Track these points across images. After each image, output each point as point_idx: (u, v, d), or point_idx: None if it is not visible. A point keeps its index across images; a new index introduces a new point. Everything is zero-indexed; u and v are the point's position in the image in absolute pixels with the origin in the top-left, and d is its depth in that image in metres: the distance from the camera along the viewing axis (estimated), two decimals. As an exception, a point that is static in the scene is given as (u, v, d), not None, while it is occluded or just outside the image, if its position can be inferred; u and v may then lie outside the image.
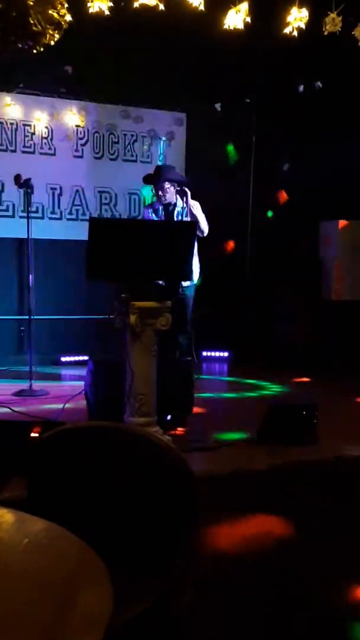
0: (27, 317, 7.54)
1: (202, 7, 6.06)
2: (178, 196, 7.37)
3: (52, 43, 5.82)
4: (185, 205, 7.33)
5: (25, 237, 7.37)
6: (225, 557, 3.84)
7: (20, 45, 5.82)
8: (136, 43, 8.18)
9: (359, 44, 6.67)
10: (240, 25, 6.28)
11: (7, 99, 8.76)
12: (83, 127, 9.20)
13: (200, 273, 7.67)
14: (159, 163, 9.00)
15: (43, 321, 8.43)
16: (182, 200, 7.34)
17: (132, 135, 9.47)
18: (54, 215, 9.17)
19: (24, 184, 7.26)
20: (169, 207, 7.38)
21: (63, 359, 8.97)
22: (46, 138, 9.04)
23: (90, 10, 6.08)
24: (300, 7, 6.38)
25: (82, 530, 1.89)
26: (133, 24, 6.78)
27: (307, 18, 6.43)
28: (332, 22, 6.31)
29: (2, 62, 7.03)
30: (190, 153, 9.60)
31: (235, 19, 6.26)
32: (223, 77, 9.11)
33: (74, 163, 9.24)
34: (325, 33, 6.37)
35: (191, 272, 6.71)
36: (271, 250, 9.85)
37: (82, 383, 6.56)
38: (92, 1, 6.05)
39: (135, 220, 8.87)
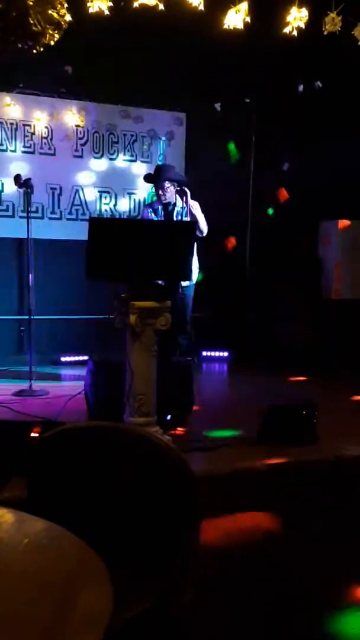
0: (27, 317, 7.53)
1: (201, 7, 6.05)
2: (178, 196, 7.37)
3: (52, 43, 5.82)
4: (184, 205, 7.33)
5: (25, 237, 7.36)
6: (218, 554, 3.84)
7: (20, 45, 5.81)
8: (136, 43, 8.18)
9: (358, 44, 6.66)
10: (240, 25, 6.28)
11: (7, 98, 8.75)
12: (83, 127, 9.20)
13: (200, 270, 7.67)
14: (159, 163, 8.99)
15: (43, 321, 8.43)
16: (182, 200, 7.34)
17: (132, 135, 9.46)
18: (53, 215, 9.17)
19: (24, 184, 7.26)
20: (169, 207, 7.39)
21: (63, 359, 8.96)
22: (46, 138, 9.04)
23: (90, 10, 6.07)
24: (300, 6, 6.38)
25: (82, 530, 1.89)
26: (133, 24, 6.77)
27: (307, 18, 6.42)
28: (332, 22, 6.31)
29: (2, 62, 7.03)
30: (190, 153, 9.60)
31: (235, 18, 6.25)
32: (223, 77, 9.11)
33: (74, 163, 9.24)
34: (325, 33, 6.37)
35: (191, 272, 6.72)
36: (271, 250, 9.85)
37: (82, 383, 6.56)
38: (91, 1, 6.04)
39: (135, 220, 8.87)
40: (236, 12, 6.25)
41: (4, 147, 8.83)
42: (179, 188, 7.36)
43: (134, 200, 9.53)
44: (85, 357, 7.47)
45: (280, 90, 9.47)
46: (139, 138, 9.50)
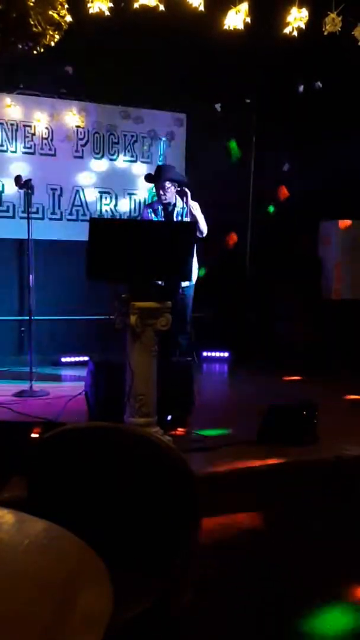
0: (27, 317, 7.54)
1: (202, 8, 6.05)
2: (178, 196, 7.37)
3: (52, 44, 5.82)
4: (185, 205, 7.33)
5: (26, 237, 7.36)
6: (217, 548, 3.85)
7: (20, 46, 5.82)
8: (136, 44, 8.18)
9: (358, 44, 6.66)
10: (240, 26, 6.28)
11: (7, 99, 8.76)
12: (83, 128, 9.20)
13: (201, 266, 7.69)
14: (159, 163, 9.00)
15: (43, 322, 8.43)
16: (182, 200, 7.34)
17: (132, 136, 9.47)
18: (54, 216, 9.18)
19: (24, 185, 7.26)
20: (169, 208, 7.39)
21: (63, 359, 8.96)
22: (46, 139, 9.05)
23: (91, 11, 6.07)
24: (300, 7, 6.38)
25: (83, 531, 1.89)
26: (133, 25, 6.78)
27: (307, 18, 6.42)
28: (332, 22, 6.31)
29: (3, 62, 7.04)
30: (191, 153, 9.60)
31: (235, 19, 6.25)
32: (223, 78, 9.11)
33: (74, 163, 9.25)
34: (325, 33, 6.36)
35: (191, 272, 6.72)
36: (271, 250, 9.86)
37: (82, 383, 6.56)
38: (92, 2, 6.04)
39: (135, 220, 8.87)
40: (236, 13, 6.25)
41: (5, 148, 8.83)
42: (179, 188, 7.37)
43: (135, 200, 9.54)
44: (86, 358, 7.47)
45: (280, 90, 9.48)
46: (139, 138, 9.50)
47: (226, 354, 9.66)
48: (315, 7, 6.45)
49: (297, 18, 6.40)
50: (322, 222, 10.08)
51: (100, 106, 9.27)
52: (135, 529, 2.34)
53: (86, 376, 6.32)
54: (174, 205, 7.38)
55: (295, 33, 6.44)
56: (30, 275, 7.35)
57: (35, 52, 5.86)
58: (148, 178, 7.69)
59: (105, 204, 9.43)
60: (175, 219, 7.33)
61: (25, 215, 7.56)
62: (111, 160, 9.43)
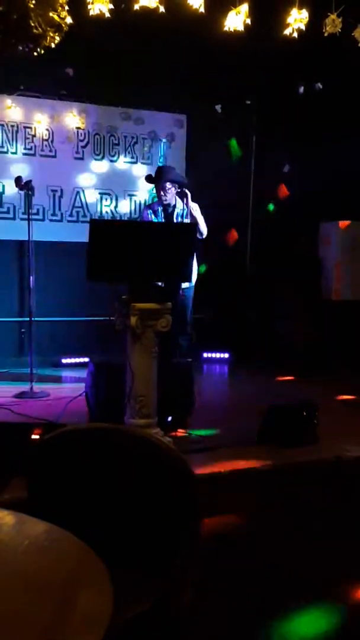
0: (27, 319, 7.54)
1: (202, 9, 6.06)
2: (178, 198, 7.37)
3: (53, 45, 5.82)
4: (185, 206, 7.34)
5: (26, 239, 7.37)
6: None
7: (20, 48, 5.82)
8: (136, 45, 8.19)
9: (359, 45, 6.67)
10: (241, 27, 6.28)
11: (8, 101, 8.77)
12: (83, 129, 9.21)
13: (200, 264, 7.70)
14: (160, 165, 9.00)
15: (44, 323, 8.44)
16: (182, 201, 7.34)
17: (133, 137, 9.48)
18: (54, 217, 9.19)
19: (25, 186, 7.26)
20: (169, 209, 7.39)
21: (64, 360, 8.96)
22: (47, 140, 9.06)
23: (91, 13, 6.07)
24: (300, 8, 6.38)
25: (83, 531, 1.89)
26: (133, 26, 6.79)
27: (307, 19, 6.43)
28: (332, 24, 6.31)
29: (3, 64, 7.04)
30: (191, 154, 9.61)
31: (236, 20, 6.26)
32: (223, 79, 9.12)
33: (75, 165, 9.26)
34: (326, 34, 6.37)
35: (191, 273, 6.73)
36: (271, 251, 9.86)
37: (82, 385, 6.56)
38: (92, 3, 6.05)
39: (135, 221, 8.87)
40: (236, 14, 6.25)
41: (5, 149, 8.84)
42: (179, 190, 7.37)
43: (135, 202, 9.55)
44: (86, 359, 7.48)
45: (280, 91, 9.49)
46: (139, 140, 9.51)
47: (226, 355, 9.66)
48: (316, 8, 6.46)
49: (297, 19, 6.41)
50: (322, 223, 10.09)
51: (101, 107, 9.28)
52: (135, 529, 2.35)
53: (86, 377, 6.32)
54: (174, 206, 7.38)
55: (295, 34, 6.45)
56: (31, 277, 7.35)
57: (35, 53, 5.86)
58: (148, 179, 7.70)
59: (105, 205, 9.44)
60: (175, 220, 7.33)
61: (25, 216, 7.56)
62: (111, 161, 9.44)
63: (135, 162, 9.54)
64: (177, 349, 7.39)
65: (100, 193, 9.40)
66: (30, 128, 8.95)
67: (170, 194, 7.34)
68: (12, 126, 8.86)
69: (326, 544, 4.08)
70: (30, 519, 2.05)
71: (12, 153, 8.88)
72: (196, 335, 8.09)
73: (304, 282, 9.83)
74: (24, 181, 7.27)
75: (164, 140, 9.57)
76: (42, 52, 5.89)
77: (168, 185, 7.33)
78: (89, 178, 9.32)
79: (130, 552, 2.28)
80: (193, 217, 7.30)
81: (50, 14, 5.64)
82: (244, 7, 6.23)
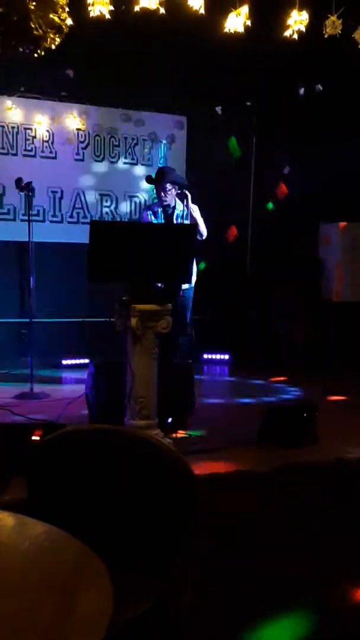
0: (28, 320, 7.54)
1: (202, 11, 6.05)
2: (178, 199, 7.38)
3: (53, 47, 5.83)
4: (185, 208, 7.34)
5: (27, 240, 7.37)
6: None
7: (21, 49, 5.82)
8: (137, 47, 8.20)
9: (359, 47, 6.67)
10: (241, 29, 6.28)
11: (8, 102, 8.78)
12: (84, 131, 9.22)
13: (199, 262, 7.72)
14: (160, 166, 9.01)
15: (44, 324, 8.44)
16: (182, 203, 7.34)
17: (133, 139, 9.49)
18: (55, 219, 9.20)
19: (25, 188, 7.27)
20: (168, 210, 7.39)
21: (64, 361, 8.97)
22: (47, 141, 9.06)
23: (91, 14, 6.07)
24: (300, 9, 6.38)
25: (83, 532, 1.90)
26: (134, 28, 6.78)
27: (307, 21, 6.42)
28: (333, 25, 6.31)
29: (3, 65, 7.05)
30: (191, 156, 9.62)
31: (236, 22, 6.25)
32: (223, 80, 9.13)
33: (75, 166, 9.27)
34: (326, 36, 6.37)
35: (191, 274, 6.74)
36: (271, 252, 9.87)
37: (83, 386, 6.57)
38: (92, 5, 6.04)
39: (136, 223, 8.88)
40: (237, 16, 6.25)
41: (5, 151, 8.85)
42: (179, 191, 7.37)
43: (135, 203, 9.55)
44: (86, 360, 7.48)
45: (280, 93, 9.50)
46: (140, 141, 9.52)
47: (226, 357, 9.67)
48: (316, 9, 6.46)
49: (297, 21, 6.40)
50: (322, 224, 10.09)
51: (101, 109, 9.29)
52: (135, 529, 2.35)
53: (86, 378, 6.33)
54: (174, 207, 7.38)
55: (295, 36, 6.44)
56: (31, 278, 7.36)
57: (36, 55, 5.86)
58: (149, 180, 7.70)
59: (105, 207, 9.45)
60: (175, 222, 7.34)
61: (26, 217, 7.57)
62: (112, 162, 9.45)
63: (136, 164, 9.55)
64: (177, 349, 7.39)
65: (100, 194, 9.41)
66: (31, 129, 8.96)
67: (171, 195, 7.34)
68: (13, 127, 8.87)
69: (326, 544, 4.08)
70: (30, 520, 2.05)
71: (13, 154, 8.88)
72: (196, 336, 8.09)
73: (304, 283, 9.84)
74: (25, 182, 7.28)
75: (164, 141, 9.58)
76: (43, 53, 5.89)
77: (168, 186, 7.33)
78: (89, 179, 9.33)
79: (130, 552, 2.28)
80: (193, 219, 7.31)
81: (51, 16, 5.65)
82: (244, 9, 6.23)
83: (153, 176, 7.59)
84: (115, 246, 5.25)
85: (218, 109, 9.62)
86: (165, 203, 7.37)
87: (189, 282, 7.02)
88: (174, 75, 8.83)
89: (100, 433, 2.58)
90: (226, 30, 6.32)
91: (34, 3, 5.49)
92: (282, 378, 8.56)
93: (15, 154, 8.90)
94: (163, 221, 7.35)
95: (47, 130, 9.04)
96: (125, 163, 9.49)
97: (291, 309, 9.70)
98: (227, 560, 3.82)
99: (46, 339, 8.61)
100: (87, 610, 1.59)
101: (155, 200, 7.79)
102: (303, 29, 6.43)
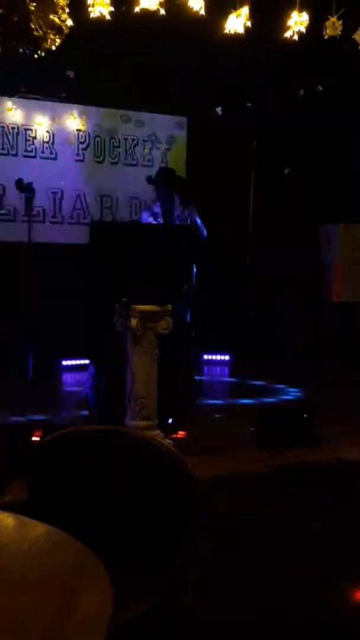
0: (28, 320, 7.53)
1: (202, 12, 6.05)
2: (178, 200, 7.36)
3: (53, 48, 5.82)
4: (184, 208, 7.33)
5: (27, 241, 7.37)
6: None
7: (21, 50, 5.82)
8: (137, 48, 8.20)
9: (359, 48, 6.67)
10: (241, 30, 6.27)
11: (9, 103, 8.77)
12: (84, 131, 9.22)
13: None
14: (162, 167, 9.00)
15: (44, 324, 8.43)
16: (182, 203, 7.33)
17: (133, 140, 9.48)
18: (55, 219, 9.19)
19: (25, 188, 7.27)
20: (168, 211, 7.37)
21: (64, 362, 8.96)
22: (47, 142, 9.06)
23: (92, 15, 6.06)
24: (300, 11, 6.38)
25: (83, 532, 1.90)
26: (134, 29, 6.79)
27: (308, 22, 6.42)
28: (333, 26, 6.30)
29: (3, 66, 7.05)
30: (191, 157, 9.61)
31: (236, 23, 6.25)
32: (224, 81, 9.13)
33: (75, 167, 9.27)
34: (326, 37, 6.37)
35: (192, 275, 6.74)
36: (272, 252, 9.86)
37: (82, 386, 6.57)
38: (93, 6, 6.04)
39: (136, 224, 8.86)
40: (237, 17, 6.24)
41: (6, 152, 8.85)
42: (179, 192, 7.36)
43: (135, 204, 9.54)
44: (87, 361, 7.49)
45: (281, 94, 9.49)
46: (140, 142, 9.52)
47: (227, 357, 9.67)
48: (316, 11, 6.45)
49: (297, 22, 6.39)
50: (323, 225, 10.10)
51: (101, 110, 9.29)
52: (135, 530, 2.35)
53: (87, 379, 6.34)
54: (173, 208, 7.37)
55: (295, 37, 6.44)
56: (31, 278, 7.35)
57: (36, 56, 5.86)
58: (149, 180, 7.69)
59: (105, 207, 9.44)
60: (174, 223, 7.32)
61: (26, 218, 7.57)
62: (112, 163, 9.44)
63: (136, 165, 9.54)
64: (178, 350, 7.37)
65: (100, 195, 9.41)
66: (31, 130, 8.96)
67: (170, 196, 7.32)
68: (13, 128, 8.87)
69: (326, 544, 4.09)
70: (30, 521, 2.06)
71: (13, 155, 8.88)
72: (196, 336, 8.09)
73: (304, 283, 9.84)
74: (25, 183, 7.28)
75: (164, 142, 9.57)
76: (43, 54, 5.88)
77: (169, 186, 7.30)
78: (90, 180, 9.32)
79: (130, 553, 2.29)
80: (192, 220, 7.30)
81: (51, 17, 5.64)
82: (245, 10, 6.22)
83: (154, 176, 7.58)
84: (115, 247, 5.26)
85: (218, 110, 9.61)
86: (164, 204, 7.35)
87: (190, 282, 7.01)
88: (175, 76, 8.83)
89: (101, 434, 2.58)
90: (226, 31, 6.31)
91: (34, 4, 5.49)
92: (282, 378, 8.55)
93: (16, 155, 8.89)
94: (162, 222, 7.34)
95: (48, 131, 9.03)
96: (125, 164, 9.49)
97: (291, 309, 9.70)
98: (227, 560, 3.82)
99: (46, 339, 8.60)
100: (87, 611, 1.60)
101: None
102: (303, 30, 6.43)
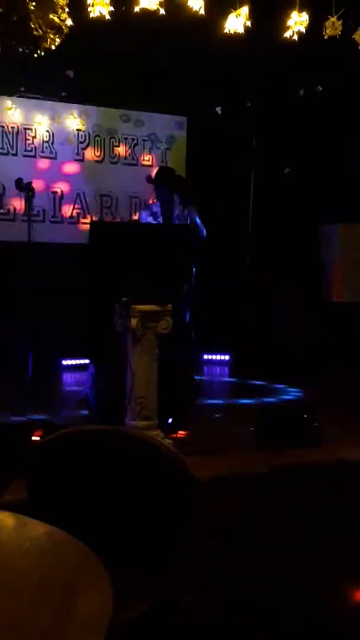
0: (28, 320, 7.53)
1: (202, 12, 6.05)
2: (177, 199, 7.35)
3: (53, 47, 5.82)
4: (184, 208, 7.32)
5: (27, 240, 7.36)
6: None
7: (21, 50, 5.82)
8: (137, 47, 8.19)
9: (359, 48, 6.67)
10: (241, 29, 6.27)
11: (8, 102, 8.77)
12: (84, 131, 9.22)
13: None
14: (162, 166, 9.00)
15: (44, 324, 8.42)
16: (182, 203, 7.33)
17: (133, 139, 9.48)
18: (55, 219, 9.19)
19: (25, 188, 7.27)
20: (168, 211, 7.37)
21: (64, 362, 8.96)
22: (47, 142, 9.06)
23: (91, 15, 6.06)
24: (300, 11, 6.37)
25: (83, 532, 1.90)
26: (134, 28, 6.78)
27: (308, 22, 6.41)
28: (333, 26, 6.30)
29: (3, 65, 7.04)
30: (191, 156, 9.61)
31: (236, 23, 6.24)
32: (224, 81, 9.13)
33: (75, 166, 9.27)
34: (326, 37, 6.36)
35: (191, 274, 6.73)
36: (272, 252, 9.86)
37: (82, 386, 6.57)
38: (92, 5, 6.04)
39: (135, 223, 8.86)
40: (237, 17, 6.23)
41: (5, 151, 8.85)
42: (179, 191, 7.35)
43: (135, 204, 9.54)
44: (87, 361, 7.48)
45: (280, 94, 9.49)
46: (140, 142, 9.52)
47: (227, 357, 9.67)
48: (316, 11, 6.45)
49: (297, 22, 6.39)
50: (323, 225, 10.09)
51: (101, 109, 9.29)
52: (135, 530, 2.35)
53: (87, 379, 6.33)
54: (173, 207, 7.36)
55: (295, 37, 6.43)
56: (31, 278, 7.35)
57: (35, 55, 5.86)
58: (149, 179, 7.68)
59: (105, 207, 9.44)
60: (174, 222, 7.32)
61: (26, 218, 7.57)
62: (112, 163, 9.44)
63: (136, 164, 9.54)
64: (178, 350, 7.37)
65: (100, 195, 9.40)
66: (31, 130, 8.96)
67: (170, 195, 7.32)
68: (13, 128, 8.87)
69: (326, 544, 4.09)
70: (30, 521, 2.05)
71: (13, 155, 8.88)
72: (196, 336, 8.09)
73: (304, 283, 9.84)
74: (25, 183, 7.28)
75: (164, 142, 9.57)
76: (43, 53, 5.89)
77: (168, 186, 7.30)
78: (89, 180, 9.32)
79: (130, 552, 2.28)
80: (192, 220, 7.29)
81: (51, 16, 5.64)
82: (244, 10, 6.22)
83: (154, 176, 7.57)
84: (115, 247, 5.26)
85: (218, 110, 9.61)
86: (164, 203, 7.34)
87: (189, 282, 7.00)
88: (174, 75, 8.83)
89: (101, 433, 2.58)
90: (226, 31, 6.31)
91: (33, 3, 5.49)
92: (282, 378, 8.55)
93: (15, 154, 8.89)
94: (162, 221, 7.34)
95: (47, 131, 9.03)
96: (125, 164, 9.48)
97: (291, 309, 9.70)
98: (227, 560, 3.82)
99: (46, 339, 8.60)
100: (87, 611, 1.59)
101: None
102: (303, 30, 6.42)
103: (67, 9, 5.76)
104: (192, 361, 7.55)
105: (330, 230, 9.96)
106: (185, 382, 6.27)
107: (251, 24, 6.26)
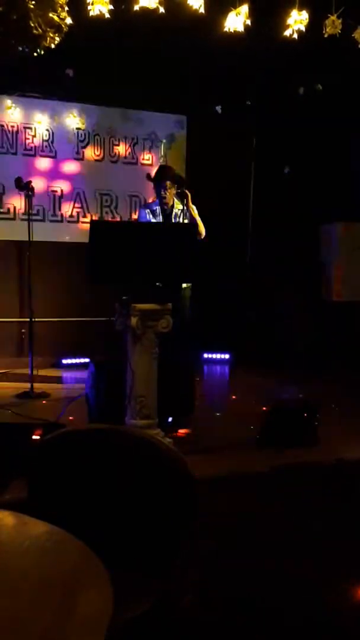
0: (28, 319, 7.53)
1: (202, 10, 6.05)
2: (177, 198, 7.35)
3: (53, 46, 5.83)
4: (184, 207, 7.31)
5: (27, 239, 7.37)
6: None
7: (20, 48, 5.83)
8: (136, 46, 8.20)
9: (358, 47, 6.66)
10: (241, 28, 6.27)
11: (8, 101, 8.77)
12: (83, 130, 9.22)
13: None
14: (161, 164, 8.99)
15: (44, 323, 8.43)
16: (182, 202, 7.32)
17: (133, 138, 9.48)
18: (54, 218, 9.19)
19: (25, 187, 7.26)
20: (167, 209, 7.36)
21: (64, 361, 8.96)
22: (47, 141, 9.06)
23: (91, 13, 6.06)
24: (300, 9, 6.37)
25: (83, 532, 1.89)
26: (133, 27, 6.78)
27: (307, 20, 6.41)
28: (332, 25, 6.30)
29: (3, 64, 7.04)
30: (191, 155, 9.61)
31: (236, 21, 6.24)
32: (223, 80, 9.13)
33: (75, 165, 9.26)
34: (326, 35, 6.36)
35: (191, 274, 6.71)
36: (272, 252, 9.86)
37: (83, 385, 6.57)
38: (92, 4, 6.03)
39: (135, 222, 8.86)
40: (237, 15, 6.24)
41: (5, 150, 8.84)
42: (179, 190, 7.34)
43: (135, 202, 9.54)
44: (87, 360, 7.48)
45: (280, 92, 9.49)
46: (139, 141, 9.51)
47: (227, 356, 9.66)
48: (316, 9, 6.45)
49: (297, 20, 6.39)
50: (323, 225, 10.09)
51: (101, 108, 9.29)
52: (135, 530, 2.35)
53: (87, 378, 6.33)
54: (172, 206, 7.36)
55: (295, 35, 6.43)
56: (31, 277, 7.35)
57: (35, 54, 5.87)
58: (149, 177, 7.67)
59: (105, 206, 9.44)
60: (173, 221, 7.31)
61: (26, 217, 7.57)
62: (112, 162, 9.43)
63: (136, 163, 9.54)
64: (177, 349, 7.36)
65: (100, 194, 9.40)
66: (31, 129, 8.96)
67: (170, 194, 7.31)
68: (13, 127, 8.87)
69: (326, 544, 4.08)
70: (30, 520, 2.05)
71: (12, 154, 8.88)
72: (196, 335, 8.08)
73: (304, 283, 9.84)
74: (24, 182, 7.27)
75: (164, 141, 9.57)
76: (42, 52, 5.89)
77: (168, 184, 7.29)
78: (89, 179, 9.32)
79: (130, 552, 2.28)
80: (192, 218, 7.28)
81: (50, 15, 5.65)
82: (244, 8, 6.22)
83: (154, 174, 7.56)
84: (115, 246, 5.25)
85: (218, 109, 9.61)
86: (164, 201, 7.34)
87: (190, 281, 6.99)
88: (174, 74, 8.83)
89: (100, 433, 2.57)
90: (226, 29, 6.31)
91: (33, 2, 5.49)
92: (282, 378, 8.54)
93: (15, 153, 8.89)
94: (161, 220, 7.33)
95: (47, 130, 9.04)
96: (124, 162, 9.48)
97: (291, 309, 9.70)
98: (227, 560, 3.82)
99: (46, 338, 8.60)
100: (87, 611, 1.59)
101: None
102: (303, 28, 6.42)
103: (66, 8, 5.77)
104: (192, 360, 7.54)
105: (330, 230, 9.96)
106: (185, 381, 6.26)
107: (251, 22, 6.26)
